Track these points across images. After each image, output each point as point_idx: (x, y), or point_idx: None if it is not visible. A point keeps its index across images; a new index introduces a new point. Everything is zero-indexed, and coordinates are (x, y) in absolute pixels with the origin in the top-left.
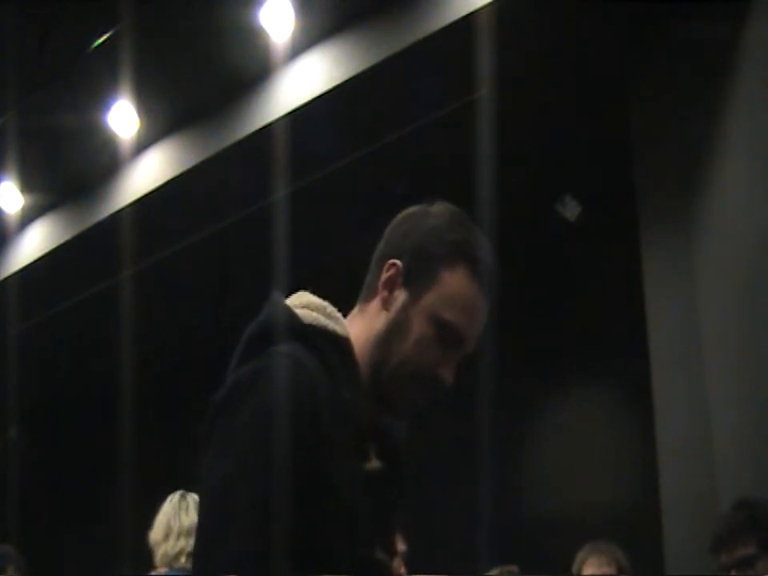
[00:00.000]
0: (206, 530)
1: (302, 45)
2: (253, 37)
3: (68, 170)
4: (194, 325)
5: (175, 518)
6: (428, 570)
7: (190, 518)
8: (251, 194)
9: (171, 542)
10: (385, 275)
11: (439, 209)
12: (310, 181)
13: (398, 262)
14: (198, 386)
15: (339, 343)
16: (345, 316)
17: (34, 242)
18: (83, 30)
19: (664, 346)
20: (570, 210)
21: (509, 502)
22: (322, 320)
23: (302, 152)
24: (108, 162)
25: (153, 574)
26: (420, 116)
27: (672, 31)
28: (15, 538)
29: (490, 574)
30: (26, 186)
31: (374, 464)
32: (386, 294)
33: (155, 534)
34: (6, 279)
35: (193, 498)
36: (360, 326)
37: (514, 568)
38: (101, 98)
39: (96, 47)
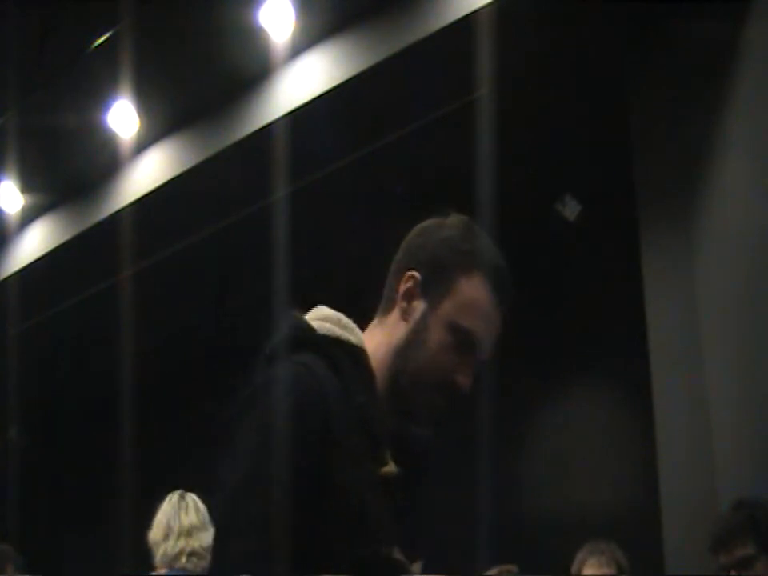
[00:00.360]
0: (221, 531)
1: (301, 45)
2: (253, 37)
3: (68, 170)
4: (194, 325)
5: (175, 518)
6: (428, 570)
7: (190, 517)
8: (251, 194)
9: (171, 541)
10: (403, 287)
11: (453, 221)
12: (309, 181)
13: (415, 273)
14: (197, 386)
15: (353, 352)
16: (363, 329)
17: (34, 242)
18: (83, 29)
19: (664, 345)
20: (570, 209)
21: (509, 502)
22: (336, 330)
23: (302, 152)
24: (108, 162)
25: (153, 574)
26: (420, 116)
27: (672, 31)
28: (15, 538)
29: (489, 573)
30: (26, 186)
31: (391, 468)
32: (404, 304)
33: (155, 534)
34: (6, 279)
35: (192, 497)
36: (380, 338)
37: (513, 567)
38: (101, 97)
39: (96, 47)
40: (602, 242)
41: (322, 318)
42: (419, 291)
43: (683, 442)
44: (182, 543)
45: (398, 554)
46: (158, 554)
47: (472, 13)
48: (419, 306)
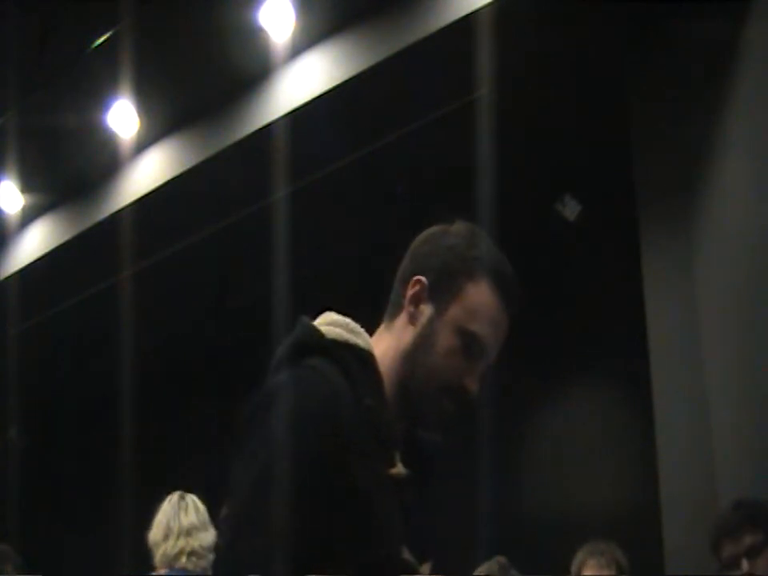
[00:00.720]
0: (234, 531)
1: (301, 45)
2: (253, 37)
3: (68, 170)
4: (193, 325)
5: (175, 518)
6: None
7: (189, 518)
8: (251, 194)
9: (171, 541)
10: (410, 291)
11: (458, 228)
12: (310, 181)
13: (422, 278)
14: (197, 386)
15: (361, 355)
16: (371, 334)
17: (34, 242)
18: (83, 29)
19: (664, 345)
20: (570, 209)
21: (509, 502)
22: (344, 335)
23: (302, 152)
24: (108, 162)
25: (152, 574)
26: (420, 116)
27: (672, 31)
28: (15, 538)
29: (480, 570)
30: (26, 186)
31: (400, 470)
32: (412, 309)
33: (154, 534)
34: (6, 279)
35: (192, 498)
36: (387, 342)
37: (502, 558)
38: (101, 97)
39: (96, 47)
40: (601, 241)
41: (330, 322)
42: (426, 296)
43: (683, 442)
44: (181, 543)
45: (406, 555)
46: (158, 554)
47: (472, 13)
48: (426, 310)
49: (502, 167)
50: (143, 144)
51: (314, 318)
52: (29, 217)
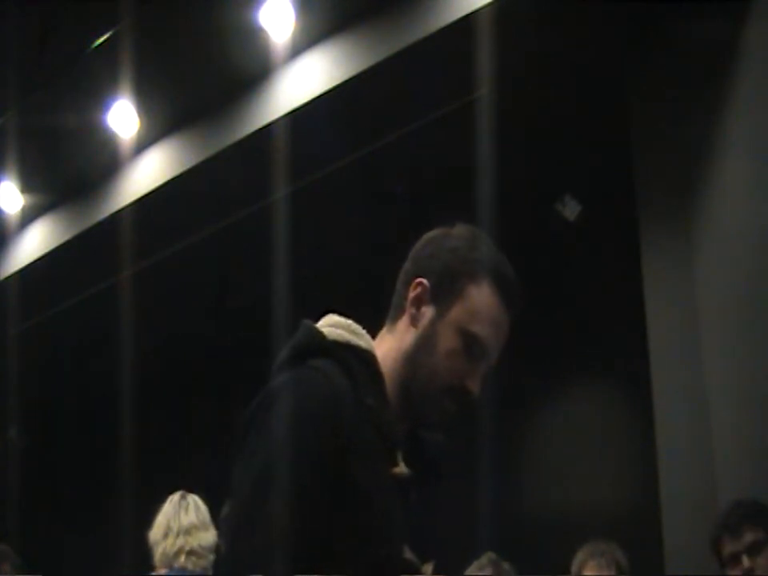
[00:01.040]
0: (236, 531)
1: (302, 45)
2: (253, 37)
3: (68, 170)
4: (193, 325)
5: (175, 518)
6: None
7: (190, 517)
8: (251, 194)
9: (170, 540)
10: (412, 293)
11: (459, 230)
12: (310, 181)
13: (424, 280)
14: (197, 386)
15: (363, 356)
16: (374, 337)
17: (34, 242)
18: (83, 29)
19: (664, 345)
20: (570, 209)
21: (509, 502)
22: (346, 336)
23: (302, 152)
24: (108, 162)
25: (152, 574)
26: (420, 116)
27: (672, 31)
28: (15, 538)
29: (471, 568)
30: (26, 186)
31: (402, 469)
32: (413, 311)
33: (155, 533)
34: (6, 279)
35: (194, 498)
36: (389, 344)
37: (492, 554)
38: (101, 97)
39: (96, 47)
40: (602, 242)
41: (332, 324)
42: (428, 298)
43: (683, 441)
44: (180, 542)
45: (408, 554)
46: (158, 553)
47: (472, 13)
48: (428, 312)
49: (501, 167)
50: (143, 144)
51: (317, 320)
52: (29, 217)
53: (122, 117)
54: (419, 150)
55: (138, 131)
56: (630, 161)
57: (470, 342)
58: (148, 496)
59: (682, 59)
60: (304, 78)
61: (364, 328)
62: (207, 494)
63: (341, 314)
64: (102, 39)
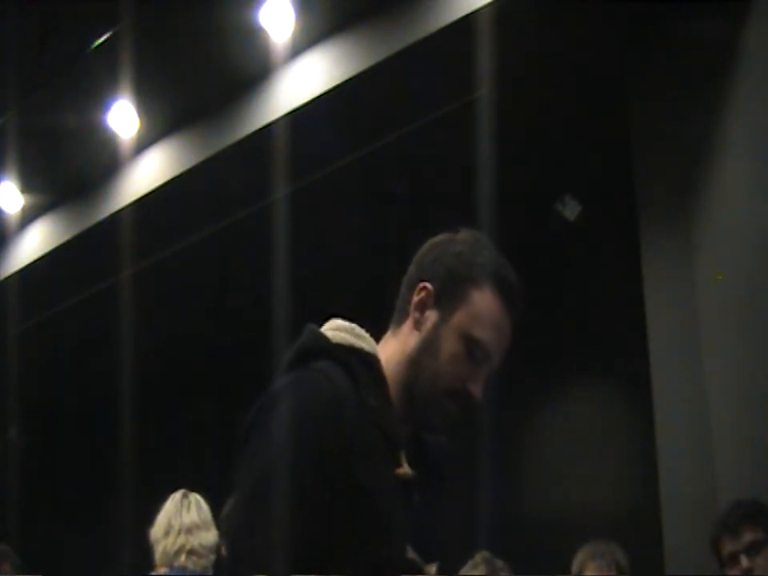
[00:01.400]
0: (238, 531)
1: (302, 45)
2: (253, 37)
3: (68, 170)
4: (193, 325)
5: (176, 516)
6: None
7: (191, 516)
8: (251, 194)
9: (171, 538)
10: (416, 297)
11: (464, 236)
12: (310, 181)
13: (428, 284)
14: (197, 386)
15: (366, 359)
16: (378, 340)
17: (34, 242)
18: (83, 29)
19: (664, 345)
20: (570, 209)
21: (509, 502)
22: (349, 339)
23: (302, 152)
24: (108, 162)
25: (152, 574)
26: (420, 116)
27: (672, 31)
28: (15, 538)
29: (465, 568)
30: (26, 186)
31: (405, 470)
32: (417, 315)
33: (156, 531)
34: (6, 279)
35: (196, 497)
36: (393, 347)
37: (486, 553)
38: (101, 97)
39: (96, 47)
40: (602, 242)
41: (336, 327)
42: (432, 302)
43: (683, 442)
44: (181, 540)
45: (411, 554)
46: (158, 551)
47: (472, 13)
48: (432, 316)
49: (501, 167)
50: (143, 144)
51: (319, 323)
52: (29, 217)
53: (122, 117)
54: (419, 149)
55: (138, 131)
56: (630, 161)
57: (472, 346)
58: (148, 496)
59: (682, 59)
60: (304, 78)
61: (366, 330)
62: (207, 493)
63: (344, 317)
64: (102, 39)
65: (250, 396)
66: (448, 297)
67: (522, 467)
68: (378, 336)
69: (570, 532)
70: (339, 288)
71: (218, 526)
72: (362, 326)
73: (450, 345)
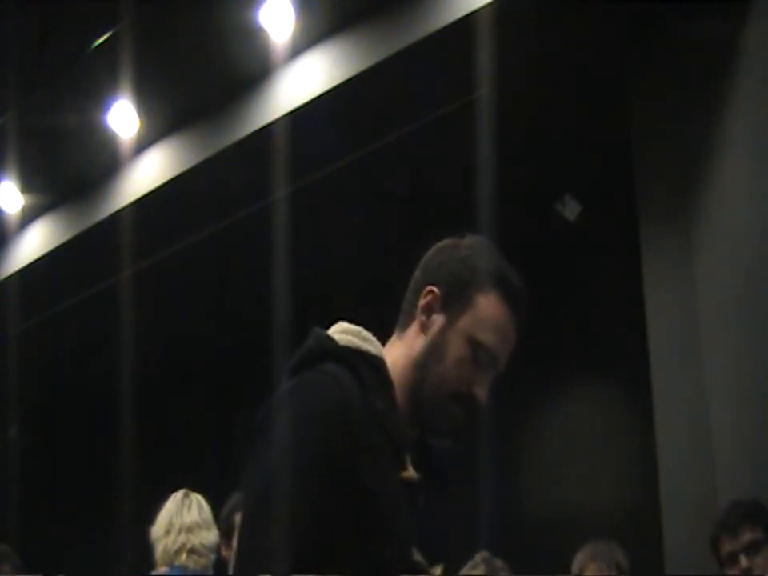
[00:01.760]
0: (247, 531)
1: (302, 45)
2: (253, 37)
3: (68, 170)
4: (193, 325)
5: (177, 515)
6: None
7: (192, 515)
8: (251, 194)
9: (171, 537)
10: (422, 301)
11: (469, 241)
12: (310, 181)
13: (434, 288)
14: (197, 386)
15: (373, 362)
16: (383, 343)
17: (34, 242)
18: (83, 29)
19: (664, 345)
20: (570, 209)
21: (509, 502)
22: (356, 341)
23: (302, 152)
24: (108, 162)
25: (152, 573)
26: (420, 116)
27: (672, 31)
28: (15, 538)
29: (465, 568)
30: (26, 186)
31: (410, 473)
32: (423, 318)
33: (157, 529)
34: (6, 279)
35: (197, 497)
36: (399, 350)
37: (485, 553)
38: (101, 97)
39: (96, 47)
40: (601, 242)
41: (342, 330)
42: (438, 306)
43: (683, 442)
44: (182, 539)
45: (417, 556)
46: (159, 550)
47: (472, 13)
48: (438, 319)
49: (502, 167)
50: (143, 144)
51: (327, 327)
52: (29, 217)
53: (122, 117)
54: (419, 149)
55: (138, 131)
56: (630, 161)
57: (478, 350)
58: (148, 496)
59: (682, 59)
60: (304, 78)
61: (369, 332)
62: (207, 493)
63: (350, 321)
64: (102, 39)
65: (250, 396)
66: (454, 301)
67: (522, 467)
68: (380, 337)
69: (570, 532)
70: (339, 288)
71: (219, 526)
72: (361, 325)
73: (456, 348)
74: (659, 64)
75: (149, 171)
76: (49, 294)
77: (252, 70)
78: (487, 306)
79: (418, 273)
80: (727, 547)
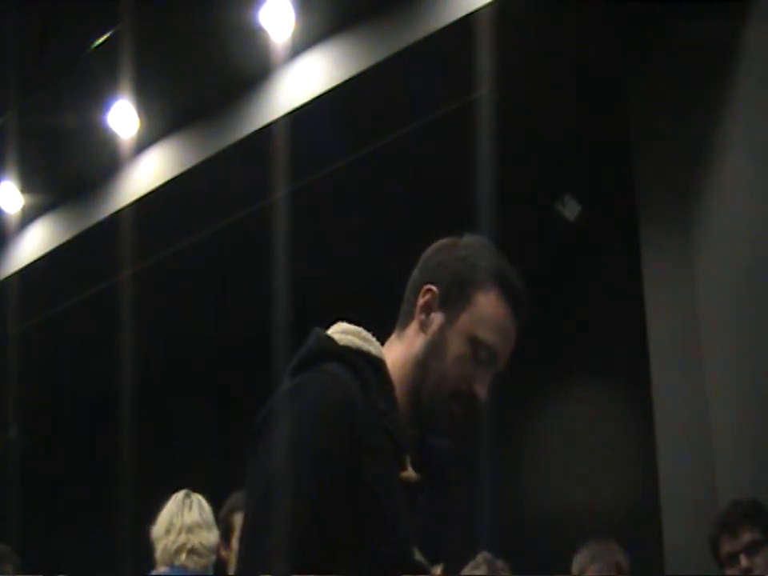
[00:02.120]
0: (250, 531)
1: (301, 45)
2: (253, 37)
3: (68, 170)
4: (193, 325)
5: (178, 515)
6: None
7: (193, 515)
8: (251, 194)
9: (172, 536)
10: (422, 300)
11: (468, 240)
12: (310, 181)
13: (433, 287)
14: (197, 386)
15: (373, 362)
16: (383, 343)
17: (34, 242)
18: (83, 29)
19: (664, 345)
20: (570, 209)
21: (509, 502)
22: (356, 342)
23: (302, 152)
24: (108, 162)
25: (152, 573)
26: (420, 116)
27: (672, 31)
28: (15, 538)
29: (466, 569)
30: (26, 186)
31: (411, 473)
32: (423, 317)
33: (157, 529)
34: (6, 279)
35: (198, 497)
36: (399, 349)
37: (487, 554)
38: (101, 97)
39: (96, 47)
40: (601, 241)
41: (342, 331)
42: (437, 305)
43: (683, 442)
44: (182, 539)
45: (418, 556)
46: (159, 550)
47: (472, 13)
48: (437, 318)
49: (501, 167)
50: (143, 144)
51: (327, 327)
52: (29, 217)
53: (122, 117)
54: (419, 149)
55: (138, 131)
56: (630, 161)
57: (477, 349)
58: (148, 496)
59: (682, 59)
60: (304, 78)
61: (369, 332)
62: (207, 493)
63: (350, 321)
64: (102, 39)
65: (250, 396)
66: (453, 299)
67: (522, 467)
68: (380, 337)
69: (570, 532)
70: (339, 288)
71: (219, 526)
72: (361, 325)
73: (455, 346)
74: (659, 64)
75: (149, 171)
76: (49, 294)
77: (252, 70)
78: (487, 304)
79: (416, 272)
80: (727, 547)
